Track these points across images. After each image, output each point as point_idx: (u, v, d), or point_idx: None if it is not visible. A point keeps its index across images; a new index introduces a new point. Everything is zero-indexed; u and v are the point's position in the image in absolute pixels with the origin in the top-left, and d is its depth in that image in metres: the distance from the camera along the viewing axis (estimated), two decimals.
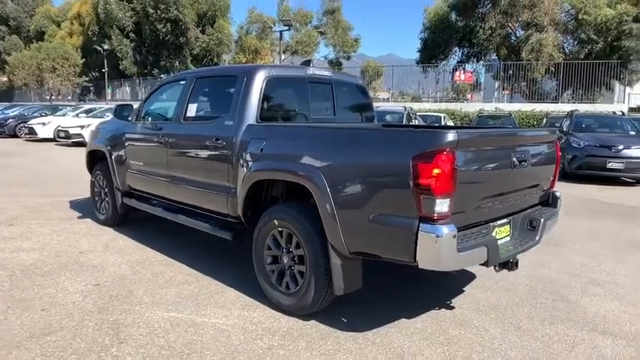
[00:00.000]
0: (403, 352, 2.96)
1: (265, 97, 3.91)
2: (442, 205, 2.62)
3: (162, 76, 35.57)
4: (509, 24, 24.06)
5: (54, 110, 20.86)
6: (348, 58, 31.26)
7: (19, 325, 3.21)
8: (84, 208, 6.71)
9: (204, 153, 4.17)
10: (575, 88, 23.04)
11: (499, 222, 3.21)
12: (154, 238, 5.33)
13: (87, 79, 39.74)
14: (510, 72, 23.89)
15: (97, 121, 17.17)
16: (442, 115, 18.26)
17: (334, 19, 30.96)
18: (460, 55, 26.52)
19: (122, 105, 5.24)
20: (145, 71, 35.02)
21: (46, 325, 3.22)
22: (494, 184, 3.07)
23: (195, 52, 33.40)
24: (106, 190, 5.79)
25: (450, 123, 17.48)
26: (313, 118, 4.36)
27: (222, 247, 5.00)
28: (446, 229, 2.61)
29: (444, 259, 2.66)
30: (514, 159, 3.12)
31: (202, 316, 3.40)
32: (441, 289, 4.11)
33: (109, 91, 38.09)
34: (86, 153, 6.20)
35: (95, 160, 6.11)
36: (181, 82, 4.81)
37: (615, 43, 21.00)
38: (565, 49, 23.31)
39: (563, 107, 21.08)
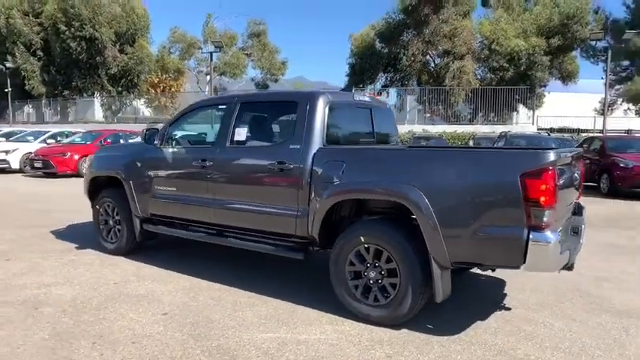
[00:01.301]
0: (503, 348, 3.32)
1: (328, 122, 4.14)
2: (548, 216, 3.06)
3: (74, 97, 33.33)
4: (430, 52, 26.12)
5: None
6: (276, 80, 31.73)
7: None
8: (76, 238, 6.30)
9: (264, 176, 4.26)
10: (487, 111, 25.53)
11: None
12: (180, 264, 5.22)
13: None
14: (431, 96, 25.84)
15: (24, 145, 15.82)
16: None
17: (260, 42, 31.34)
18: (385, 79, 28.17)
19: (150, 129, 5.11)
20: (56, 92, 32.54)
21: (153, 357, 3.12)
22: (566, 196, 3.59)
23: (112, 72, 31.79)
24: (118, 217, 5.54)
25: None
26: (362, 141, 4.65)
27: (259, 267, 5.08)
28: (553, 236, 3.05)
29: (551, 262, 3.09)
30: (575, 174, 3.68)
31: (300, 334, 3.50)
32: (485, 292, 4.56)
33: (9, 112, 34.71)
34: (88, 180, 5.87)
35: (98, 187, 5.82)
36: (220, 107, 4.86)
37: (529, 72, 23.71)
38: (478, 76, 25.78)
39: (481, 128, 23.27)
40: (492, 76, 25.36)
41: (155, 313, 3.89)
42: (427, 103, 26.65)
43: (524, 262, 3.11)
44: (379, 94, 27.88)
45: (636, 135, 18.04)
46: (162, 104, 32.39)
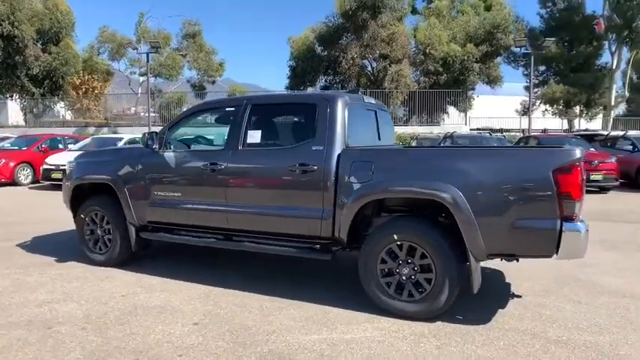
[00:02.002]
0: (535, 332, 3.57)
1: (348, 123, 4.21)
2: (578, 207, 3.35)
3: None
4: (369, 56, 26.85)
5: None
6: (213, 82, 30.96)
7: None
8: (51, 251, 5.85)
9: (285, 178, 4.23)
10: (420, 112, 26.76)
11: None
12: (181, 272, 5.02)
13: None
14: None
15: None
16: None
17: (195, 43, 30.46)
18: (325, 82, 28.53)
19: (150, 133, 4.86)
20: None
21: None
22: None
23: (33, 73, 29.38)
24: (108, 227, 5.23)
25: None
26: (371, 142, 4.75)
27: (264, 270, 5.05)
28: (583, 225, 3.34)
29: (581, 249, 3.38)
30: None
31: (344, 334, 3.53)
32: (491, 283, 4.83)
33: None
34: (70, 189, 5.45)
35: (81, 196, 5.46)
36: (227, 109, 4.76)
37: (461, 77, 25.10)
38: (413, 79, 26.87)
39: (417, 129, 24.34)
40: (427, 79, 26.56)
41: (185, 323, 3.74)
42: None
43: (556, 251, 3.37)
44: None
45: (567, 133, 19.81)
46: (84, 107, 30.49)
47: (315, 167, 4.07)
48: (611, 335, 3.53)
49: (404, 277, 3.80)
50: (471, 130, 23.84)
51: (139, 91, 30.51)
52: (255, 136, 4.49)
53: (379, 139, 5.00)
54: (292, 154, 4.23)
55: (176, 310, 4.00)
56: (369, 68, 28.06)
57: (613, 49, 29.42)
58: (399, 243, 3.79)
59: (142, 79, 30.49)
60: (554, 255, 3.41)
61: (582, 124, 34.66)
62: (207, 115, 5.05)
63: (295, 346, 3.32)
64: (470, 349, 3.29)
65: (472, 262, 3.56)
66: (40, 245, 6.28)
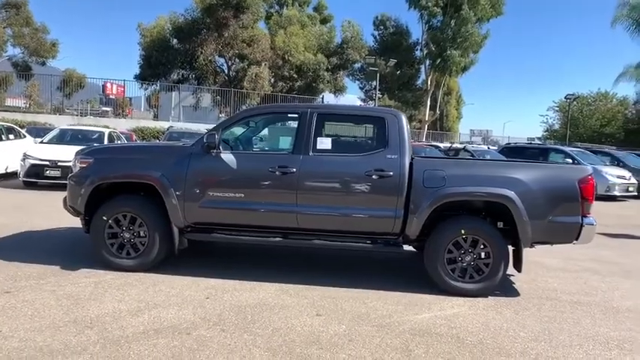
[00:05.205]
0: (557, 298, 4.91)
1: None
2: (591, 208, 4.79)
3: None
4: (228, 54, 26.86)
5: None
6: (44, 63, 26.70)
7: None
8: (31, 257, 5.13)
9: (361, 182, 4.78)
10: None
11: None
12: (227, 271, 5.05)
13: None
14: (224, 97, 26.65)
15: None
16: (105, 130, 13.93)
17: (20, 15, 25.95)
18: (180, 76, 27.45)
19: (212, 134, 4.77)
20: None
21: (403, 347, 3.52)
22: None
23: None
24: (140, 229, 4.92)
25: (124, 139, 13.72)
26: None
27: (302, 265, 5.41)
28: (594, 220, 4.80)
29: (592, 236, 4.82)
30: None
31: (442, 311, 4.33)
32: None
33: None
34: (90, 188, 4.89)
35: (99, 196, 4.99)
36: (290, 115, 5.05)
37: (313, 84, 26.99)
38: (271, 82, 27.93)
39: None
40: (284, 84, 27.93)
41: (309, 315, 4.04)
42: (221, 104, 27.35)
43: (577, 239, 4.77)
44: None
45: (421, 143, 23.29)
46: None
47: (391, 173, 4.74)
48: (603, 294, 5.10)
49: (465, 263, 4.77)
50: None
51: None
52: (325, 143, 4.91)
53: None
54: (367, 161, 4.81)
55: (283, 306, 4.22)
56: (229, 66, 28.08)
57: (428, 72, 35.23)
58: (464, 236, 4.74)
59: None
60: (574, 241, 4.80)
61: None
62: (261, 120, 5.18)
63: (424, 323, 4.00)
64: (534, 313, 4.43)
65: (522, 249, 4.73)
66: (12, 252, 5.37)
